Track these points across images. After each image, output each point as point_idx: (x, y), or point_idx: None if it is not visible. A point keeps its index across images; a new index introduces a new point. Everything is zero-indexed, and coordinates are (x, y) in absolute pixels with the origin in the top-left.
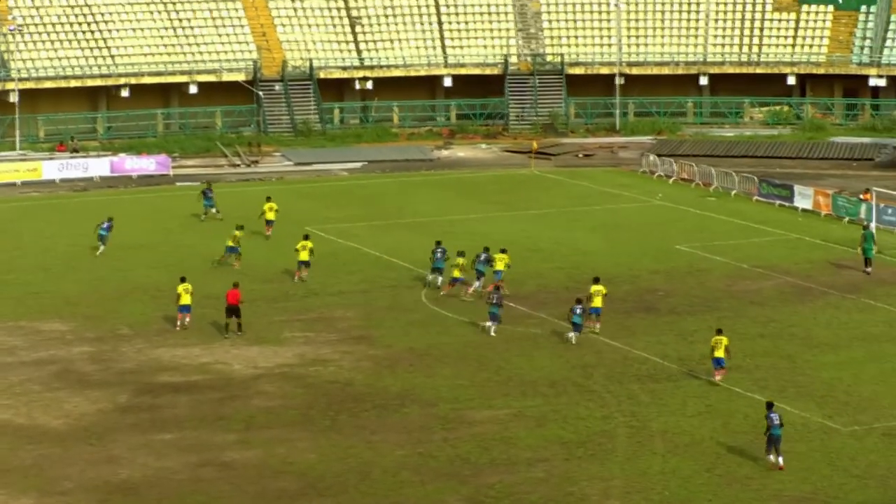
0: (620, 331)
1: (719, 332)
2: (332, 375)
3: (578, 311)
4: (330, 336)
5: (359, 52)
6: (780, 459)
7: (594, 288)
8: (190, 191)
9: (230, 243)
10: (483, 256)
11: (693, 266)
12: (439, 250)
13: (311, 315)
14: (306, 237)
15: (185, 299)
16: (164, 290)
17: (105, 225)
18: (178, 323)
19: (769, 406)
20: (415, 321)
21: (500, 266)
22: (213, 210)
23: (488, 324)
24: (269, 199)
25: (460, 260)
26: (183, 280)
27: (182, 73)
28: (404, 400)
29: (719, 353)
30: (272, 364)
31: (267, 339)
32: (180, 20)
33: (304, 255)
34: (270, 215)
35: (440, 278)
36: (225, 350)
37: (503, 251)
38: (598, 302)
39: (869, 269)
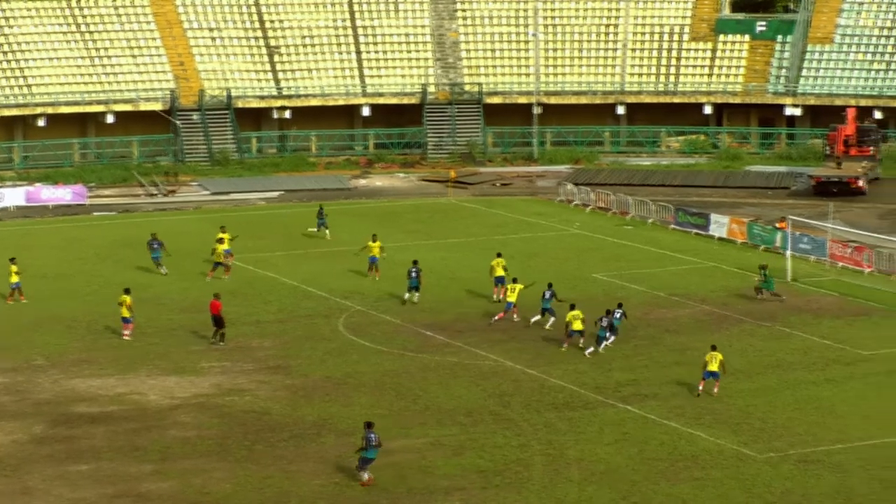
0: (537, 359)
1: (713, 347)
2: (248, 405)
3: (605, 323)
4: (246, 366)
5: (277, 81)
6: (365, 475)
7: (571, 314)
8: (107, 220)
9: (217, 258)
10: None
11: (610, 294)
12: (414, 270)
13: (228, 345)
14: (220, 239)
15: (125, 312)
16: (80, 321)
17: (154, 245)
18: (126, 333)
19: (368, 426)
20: (332, 350)
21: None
22: (325, 230)
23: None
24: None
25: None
26: (126, 292)
27: (99, 102)
28: (321, 429)
29: (713, 367)
30: (188, 394)
31: (184, 369)
32: (97, 49)
33: (218, 256)
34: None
35: (417, 295)
36: (141, 380)
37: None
38: (578, 325)
39: (762, 297)
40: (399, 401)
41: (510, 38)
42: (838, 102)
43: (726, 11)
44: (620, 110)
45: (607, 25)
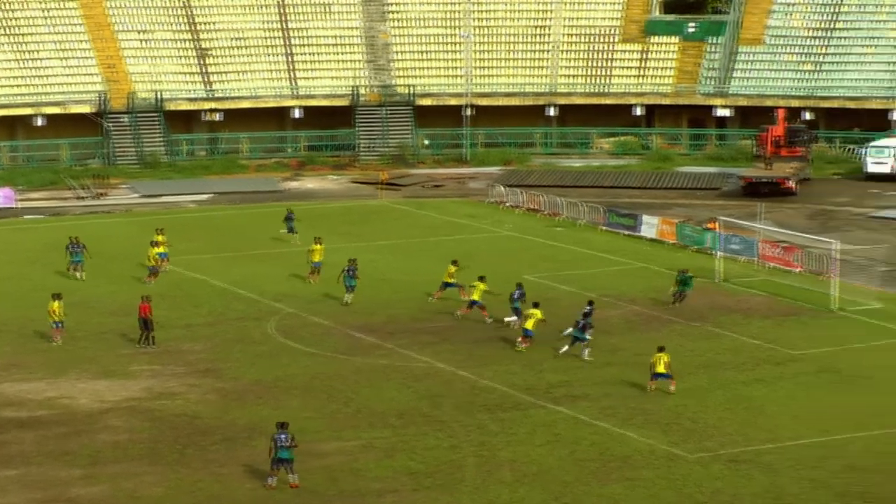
0: (469, 360)
1: (660, 349)
2: (179, 409)
3: (580, 325)
4: (177, 369)
5: (207, 83)
6: (293, 477)
7: (531, 311)
8: (36, 224)
9: (153, 262)
10: (348, 270)
11: (541, 295)
12: (350, 269)
13: (158, 348)
14: (155, 242)
15: (54, 316)
16: (9, 325)
17: (75, 248)
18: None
19: (280, 426)
20: (262, 353)
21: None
22: (294, 234)
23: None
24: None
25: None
26: (56, 297)
27: (28, 105)
28: (252, 433)
29: (659, 369)
30: (119, 398)
31: (114, 373)
32: (26, 52)
33: (152, 260)
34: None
35: (351, 296)
36: (71, 384)
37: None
38: (529, 324)
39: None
40: (330, 403)
41: (441, 39)
42: (768, 103)
43: (656, 13)
44: (551, 112)
45: (538, 27)
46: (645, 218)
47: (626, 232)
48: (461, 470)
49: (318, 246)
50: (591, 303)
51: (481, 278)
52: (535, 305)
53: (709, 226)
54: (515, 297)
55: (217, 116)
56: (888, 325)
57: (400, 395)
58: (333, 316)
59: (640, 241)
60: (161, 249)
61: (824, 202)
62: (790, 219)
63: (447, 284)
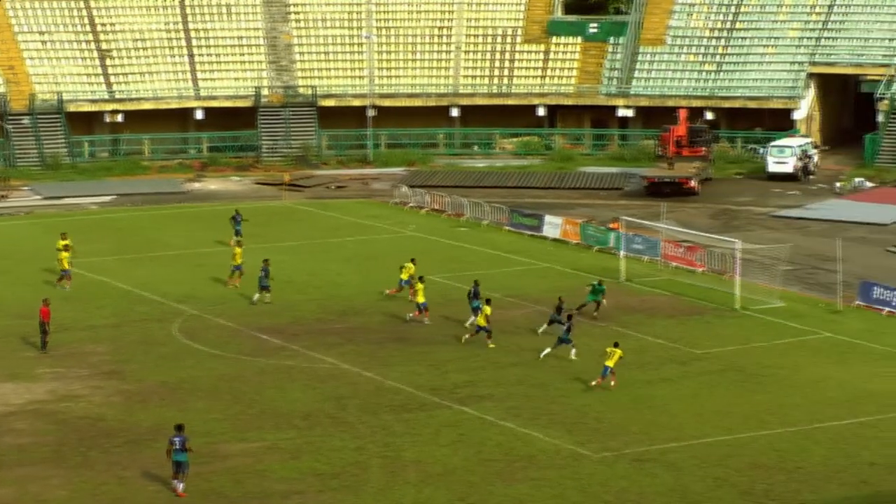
0: (374, 361)
1: (616, 345)
2: (83, 411)
3: (567, 325)
4: (81, 371)
5: (109, 84)
6: (181, 486)
7: (484, 307)
8: None
9: (66, 266)
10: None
11: (445, 296)
12: (263, 270)
13: (61, 351)
14: (66, 247)
15: None
16: None
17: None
18: None
19: (177, 428)
20: (166, 355)
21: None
22: (240, 237)
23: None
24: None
25: (487, 309)
26: None
27: None
28: (156, 435)
29: (609, 362)
30: (23, 401)
31: (18, 376)
32: None
33: (65, 265)
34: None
35: (268, 295)
36: None
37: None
38: (480, 321)
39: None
40: (235, 405)
41: (343, 40)
42: (670, 103)
43: (558, 13)
44: (454, 112)
45: (440, 28)
46: (548, 218)
47: (530, 232)
48: (367, 471)
49: (238, 249)
50: (560, 300)
51: (488, 301)
52: (487, 302)
53: (612, 226)
54: (472, 295)
55: (119, 118)
56: (790, 323)
57: (305, 396)
58: (238, 317)
59: (543, 241)
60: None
61: (726, 202)
62: (693, 218)
63: (403, 282)
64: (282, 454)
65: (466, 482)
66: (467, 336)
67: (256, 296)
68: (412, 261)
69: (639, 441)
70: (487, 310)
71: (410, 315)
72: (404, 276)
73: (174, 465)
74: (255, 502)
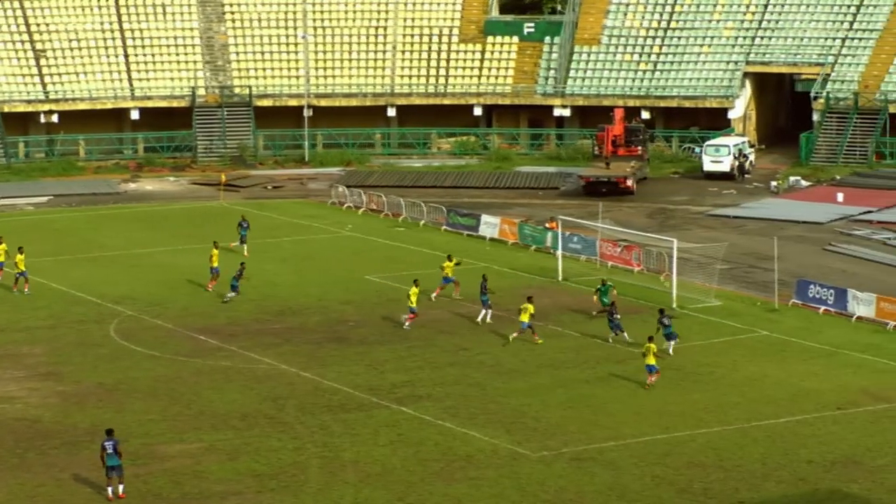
0: (311, 361)
1: (529, 299)
2: (19, 413)
3: (666, 321)
4: (17, 373)
5: (43, 85)
6: (121, 487)
7: (525, 304)
8: None
9: (22, 268)
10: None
11: (383, 296)
12: (239, 270)
13: None
14: (20, 250)
15: None
16: None
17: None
18: None
19: (107, 433)
20: (103, 356)
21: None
22: (243, 245)
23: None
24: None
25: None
26: None
27: None
28: (94, 436)
29: (523, 318)
30: None
31: None
32: None
33: (21, 267)
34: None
35: (231, 295)
36: None
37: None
38: (525, 317)
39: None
40: (172, 406)
41: (279, 40)
42: (606, 103)
43: (494, 13)
44: (391, 112)
45: (376, 28)
46: (485, 218)
47: (468, 232)
48: (305, 471)
49: (216, 251)
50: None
51: (529, 299)
52: (529, 300)
53: (549, 225)
54: (482, 289)
55: (54, 118)
56: (727, 322)
57: (243, 396)
58: (175, 318)
59: (480, 240)
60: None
61: (663, 201)
62: (629, 218)
63: (446, 280)
64: (220, 455)
65: (405, 482)
66: (514, 335)
67: (230, 294)
68: (449, 257)
69: (577, 440)
70: (531, 308)
71: (404, 317)
72: (449, 274)
73: (108, 470)
74: (193, 503)
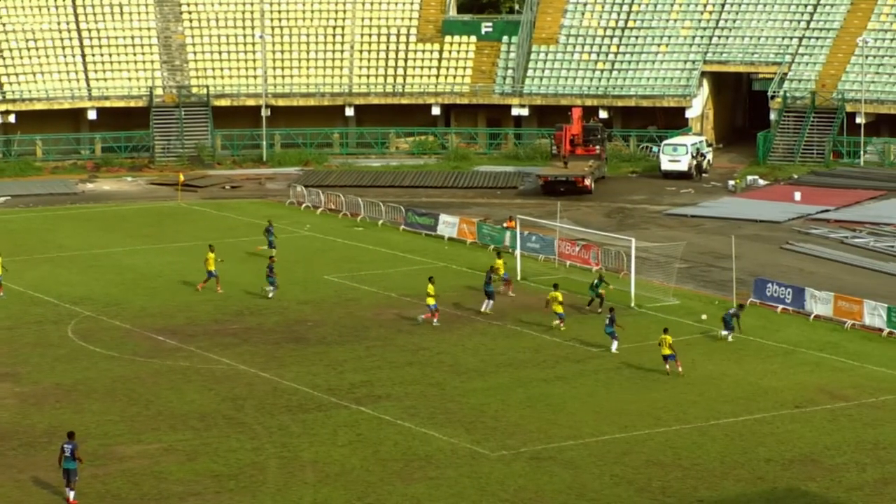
0: (270, 362)
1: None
2: None
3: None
4: None
5: (0, 85)
6: (72, 494)
7: (553, 293)
8: None
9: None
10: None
11: (342, 296)
12: (269, 265)
13: None
14: None
15: None
16: None
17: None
18: None
19: (69, 435)
20: (61, 357)
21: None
22: (274, 249)
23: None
24: None
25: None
26: None
27: None
28: (52, 437)
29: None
30: None
31: None
32: None
33: None
34: None
35: (273, 290)
36: None
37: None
38: (558, 308)
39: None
40: (131, 406)
41: (237, 40)
42: (564, 102)
43: (452, 13)
44: (349, 112)
45: (334, 27)
46: (444, 217)
47: (426, 231)
48: (264, 472)
49: (211, 254)
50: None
51: (556, 286)
52: (555, 287)
53: (507, 224)
54: (487, 280)
55: (11, 118)
56: (685, 321)
57: (201, 397)
58: (133, 319)
59: (439, 240)
60: None
61: (621, 200)
62: (588, 217)
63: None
64: (179, 455)
65: (364, 482)
66: (556, 322)
67: (269, 289)
68: (498, 255)
69: (536, 439)
70: (559, 296)
71: (422, 317)
72: (502, 272)
73: (63, 473)
74: None
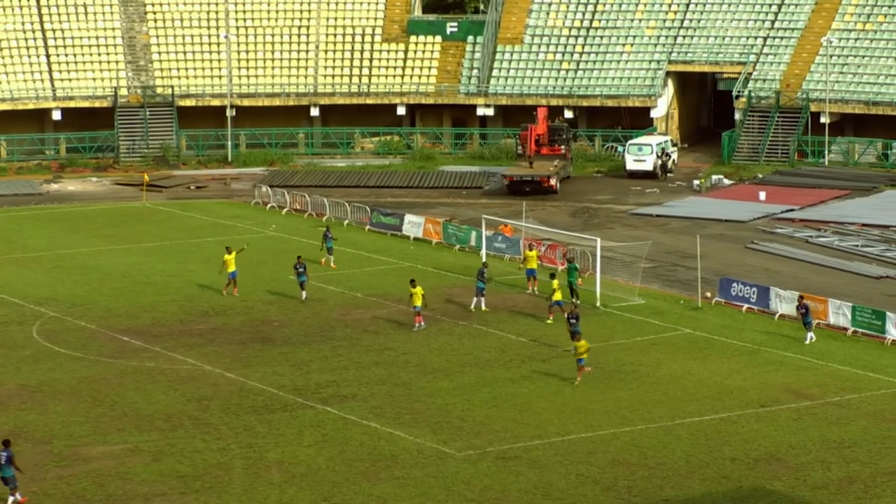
0: (236, 362)
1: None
2: None
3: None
4: None
5: None
6: (16, 496)
7: (554, 283)
8: None
9: None
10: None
11: (309, 296)
12: (301, 265)
13: None
14: None
15: None
16: None
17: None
18: None
19: (4, 444)
20: (26, 358)
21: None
22: (331, 257)
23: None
24: None
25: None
26: None
27: None
28: (17, 438)
29: (416, 302)
30: None
31: None
32: None
33: None
34: None
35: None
36: None
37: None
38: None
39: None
40: (96, 407)
41: (202, 39)
42: (529, 102)
43: (417, 13)
44: (314, 112)
45: (299, 27)
46: (409, 217)
47: (392, 232)
48: (229, 472)
49: (229, 255)
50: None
51: (552, 276)
52: (553, 276)
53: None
54: (479, 275)
55: None
56: (651, 320)
57: (167, 397)
58: (98, 319)
59: (405, 240)
60: None
61: (586, 200)
62: (553, 216)
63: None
64: (144, 456)
65: (330, 482)
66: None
67: (304, 294)
68: (530, 246)
69: (502, 439)
70: (556, 284)
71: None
72: (534, 266)
73: (1, 480)
74: None
